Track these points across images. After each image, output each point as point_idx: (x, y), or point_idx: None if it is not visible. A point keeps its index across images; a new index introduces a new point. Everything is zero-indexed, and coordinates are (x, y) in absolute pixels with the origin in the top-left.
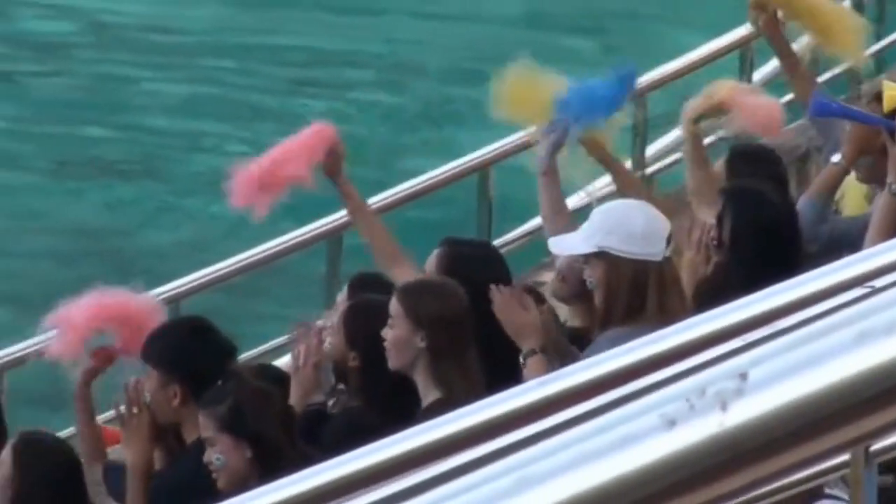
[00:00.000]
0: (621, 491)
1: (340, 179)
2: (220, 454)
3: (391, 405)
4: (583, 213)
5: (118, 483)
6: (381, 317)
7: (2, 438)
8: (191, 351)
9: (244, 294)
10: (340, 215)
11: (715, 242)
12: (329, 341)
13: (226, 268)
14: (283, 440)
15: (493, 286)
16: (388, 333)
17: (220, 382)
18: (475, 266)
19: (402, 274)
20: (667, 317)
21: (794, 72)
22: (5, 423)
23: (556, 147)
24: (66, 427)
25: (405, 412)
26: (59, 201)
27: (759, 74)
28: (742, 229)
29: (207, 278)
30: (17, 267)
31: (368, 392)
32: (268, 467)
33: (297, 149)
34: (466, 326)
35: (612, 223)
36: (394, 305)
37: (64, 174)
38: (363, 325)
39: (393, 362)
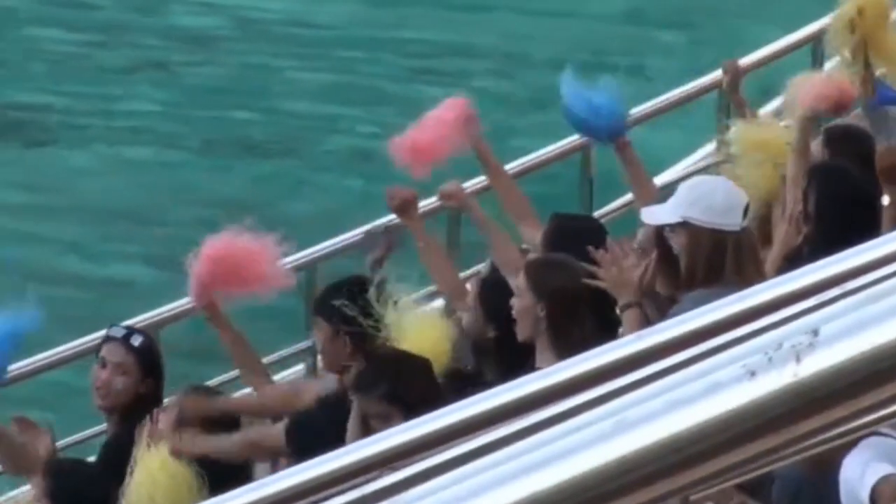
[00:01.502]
0: (708, 433)
1: (480, 146)
2: (388, 424)
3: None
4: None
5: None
6: (509, 291)
7: (160, 388)
8: (357, 307)
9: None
10: None
11: (802, 216)
12: (465, 318)
13: (357, 235)
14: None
15: (590, 248)
16: (514, 303)
17: (368, 367)
18: (581, 238)
19: (528, 229)
20: (743, 280)
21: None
22: (162, 372)
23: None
24: (212, 377)
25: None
26: (208, 176)
27: (829, 65)
28: (824, 203)
29: (340, 245)
30: (171, 233)
31: (507, 361)
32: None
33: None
34: (583, 300)
35: (694, 196)
36: (520, 277)
37: (212, 152)
38: (498, 298)
39: (519, 331)
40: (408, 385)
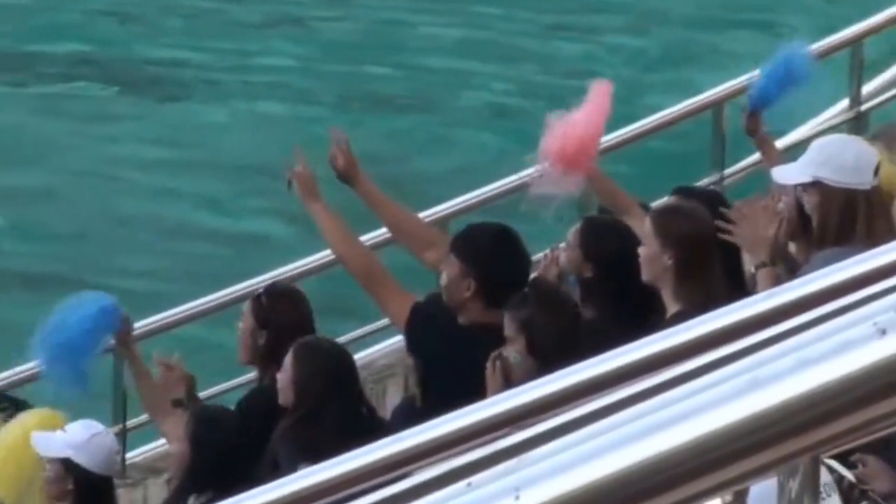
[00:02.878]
0: (839, 392)
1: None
2: (517, 353)
3: (620, 314)
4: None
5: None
6: (612, 233)
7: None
8: (492, 255)
9: (503, 214)
10: None
11: None
12: (565, 256)
13: (489, 191)
14: (562, 352)
15: (723, 209)
16: (641, 250)
17: (526, 289)
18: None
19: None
20: (875, 239)
21: None
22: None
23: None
24: (344, 333)
25: (634, 320)
26: (342, 131)
27: None
28: None
29: (473, 200)
30: None
31: (599, 301)
32: (543, 374)
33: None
34: (709, 248)
35: (825, 156)
36: (647, 225)
37: (347, 107)
38: (597, 240)
39: (644, 275)
40: (537, 328)
